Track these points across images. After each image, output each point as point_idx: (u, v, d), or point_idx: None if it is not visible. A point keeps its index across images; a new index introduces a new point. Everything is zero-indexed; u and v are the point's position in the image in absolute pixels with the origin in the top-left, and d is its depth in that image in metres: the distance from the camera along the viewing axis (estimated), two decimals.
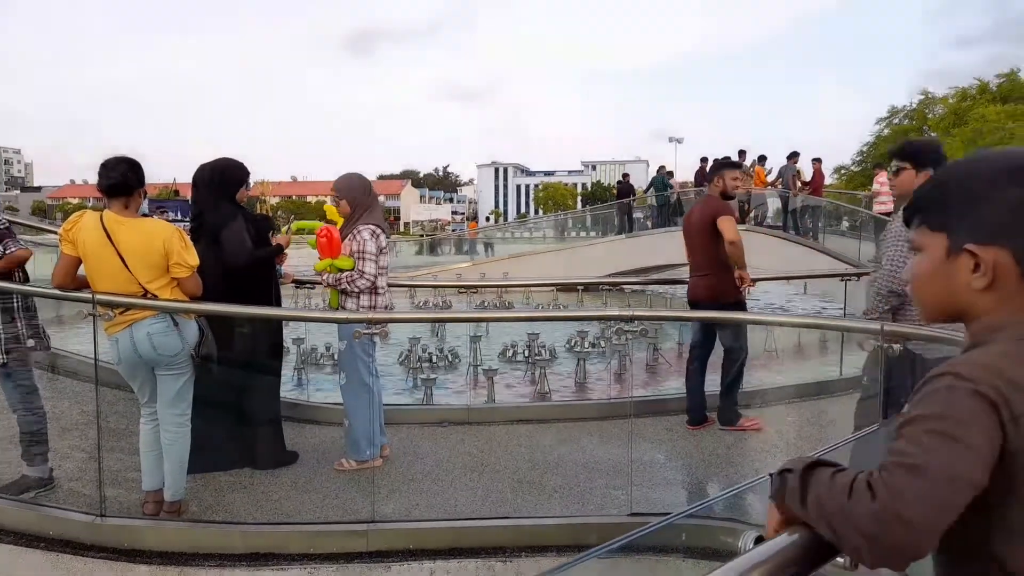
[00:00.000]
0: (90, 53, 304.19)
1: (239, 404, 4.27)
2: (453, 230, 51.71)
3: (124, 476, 3.86)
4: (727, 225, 4.82)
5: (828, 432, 4.64)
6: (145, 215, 4.53)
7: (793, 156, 16.08)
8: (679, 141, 49.47)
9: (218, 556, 3.34)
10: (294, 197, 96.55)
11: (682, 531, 3.48)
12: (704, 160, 17.38)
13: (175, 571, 3.30)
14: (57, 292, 3.56)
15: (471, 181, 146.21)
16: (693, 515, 3.22)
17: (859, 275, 6.48)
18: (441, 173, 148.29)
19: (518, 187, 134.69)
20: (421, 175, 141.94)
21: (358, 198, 4.32)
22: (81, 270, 3.51)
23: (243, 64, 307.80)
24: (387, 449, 4.46)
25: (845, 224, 16.64)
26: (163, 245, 3.40)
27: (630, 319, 3.93)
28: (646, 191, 20.06)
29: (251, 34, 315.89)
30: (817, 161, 16.56)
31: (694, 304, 5.08)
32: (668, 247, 16.29)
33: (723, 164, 5.31)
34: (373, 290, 4.25)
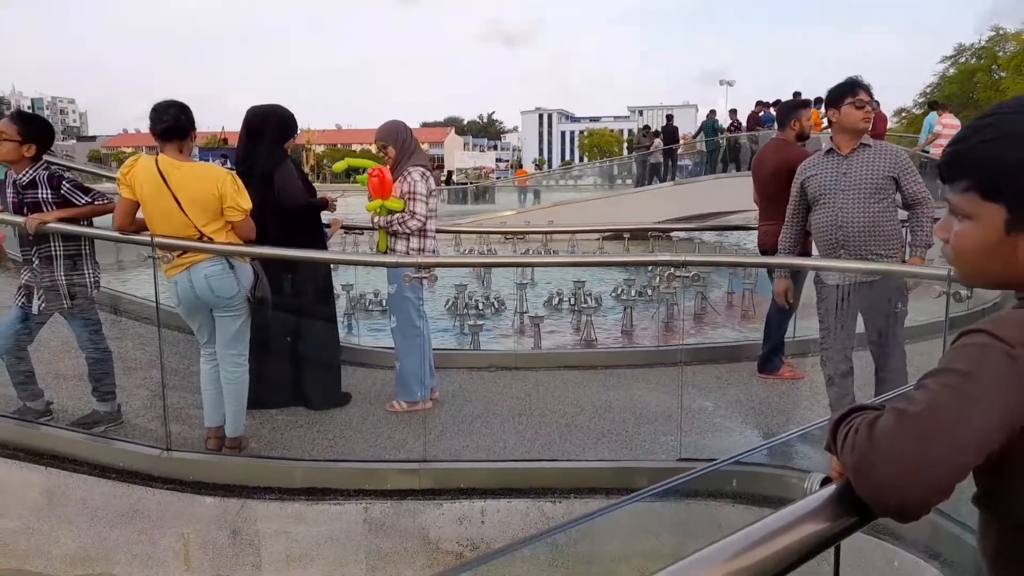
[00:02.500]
0: (138, 3, 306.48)
1: (294, 345, 4.37)
2: (497, 178, 51.41)
3: (186, 413, 4.02)
4: None
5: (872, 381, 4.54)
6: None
7: None
8: (730, 84, 47.81)
9: (278, 490, 3.48)
10: (338, 145, 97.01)
11: (732, 477, 3.50)
12: (760, 104, 16.78)
13: (238, 503, 3.45)
14: (118, 235, 3.66)
15: (515, 128, 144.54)
16: (741, 462, 3.22)
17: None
18: (485, 120, 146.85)
19: (562, 134, 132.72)
20: (465, 122, 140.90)
21: (405, 141, 4.33)
22: (140, 214, 3.59)
23: (288, 13, 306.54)
24: (437, 392, 4.54)
25: None
26: (217, 189, 3.44)
27: (681, 264, 3.87)
28: (695, 136, 19.53)
29: None
30: (877, 104, 15.84)
31: (764, 253, 4.92)
32: (718, 194, 15.96)
33: (798, 104, 5.07)
34: (422, 233, 4.27)
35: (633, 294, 8.51)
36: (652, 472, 3.53)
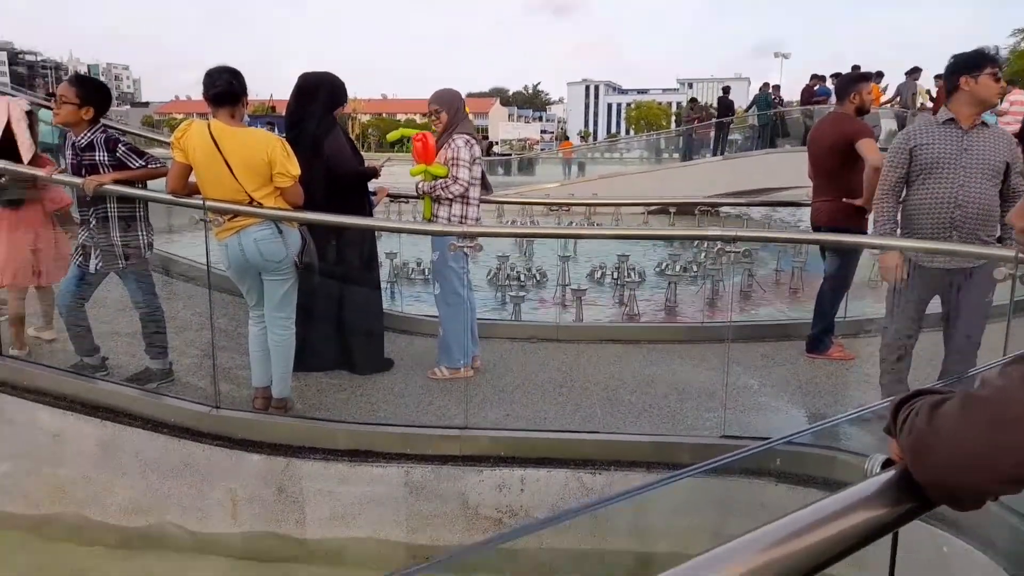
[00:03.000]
0: None
1: (340, 310, 4.43)
2: (541, 149, 51.03)
3: (234, 373, 4.12)
4: (869, 148, 4.36)
5: (938, 366, 4.39)
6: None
7: (914, 72, 14.76)
8: (786, 56, 46.24)
9: (322, 450, 3.55)
10: (384, 115, 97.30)
11: (776, 456, 3.44)
12: (815, 77, 16.22)
13: (283, 461, 3.53)
14: (171, 198, 3.72)
15: (561, 100, 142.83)
16: (793, 442, 3.16)
17: None
18: (530, 91, 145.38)
19: (609, 106, 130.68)
20: (510, 93, 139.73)
21: (458, 110, 4.36)
22: (192, 178, 3.65)
23: None
24: (478, 361, 4.56)
25: None
26: (267, 154, 3.47)
27: (732, 239, 3.77)
28: (747, 110, 19.01)
29: None
30: (941, 78, 15.15)
31: (817, 230, 4.77)
32: (768, 170, 15.54)
33: (857, 77, 4.86)
34: (465, 200, 4.26)
35: (678, 269, 8.39)
36: (694, 448, 3.50)
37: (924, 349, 5.05)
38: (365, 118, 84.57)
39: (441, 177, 4.22)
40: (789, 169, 14.96)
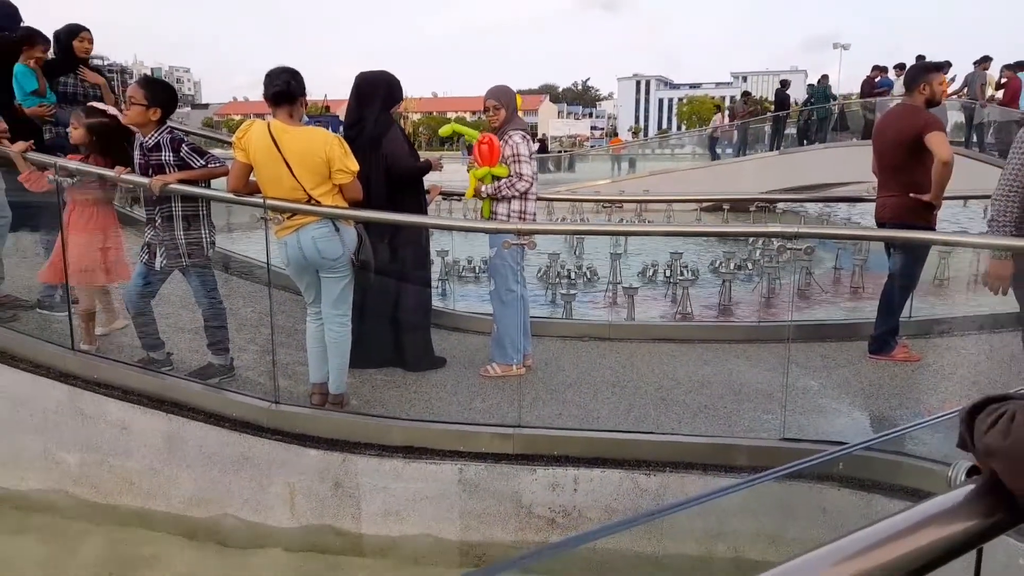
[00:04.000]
0: None
1: (393, 307, 4.47)
2: (592, 146, 50.72)
3: (293, 369, 4.19)
4: (939, 142, 4.19)
5: (1015, 370, 4.19)
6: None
7: (983, 62, 14.14)
8: (845, 47, 44.73)
9: (377, 446, 3.59)
10: (434, 113, 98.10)
11: (839, 460, 3.34)
12: (877, 68, 15.69)
13: (339, 456, 3.58)
14: (232, 196, 3.81)
15: (611, 95, 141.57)
16: (873, 449, 3.06)
17: None
18: (580, 87, 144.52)
19: (660, 101, 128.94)
20: (560, 89, 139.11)
21: (512, 106, 4.38)
22: (252, 177, 3.73)
23: None
24: (531, 359, 4.55)
25: None
26: (325, 152, 3.52)
27: (793, 236, 3.67)
28: (805, 103, 18.51)
29: None
30: (1012, 68, 14.47)
31: (881, 226, 4.61)
32: (827, 165, 15.12)
33: (928, 67, 4.66)
34: (524, 196, 4.28)
35: (732, 267, 8.23)
36: (752, 450, 3.42)
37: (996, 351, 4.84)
38: (416, 116, 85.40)
39: (503, 177, 4.24)
40: (847, 163, 14.55)
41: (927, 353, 4.78)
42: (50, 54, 5.17)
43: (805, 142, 17.31)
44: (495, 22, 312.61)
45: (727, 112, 21.94)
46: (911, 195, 4.35)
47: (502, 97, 4.37)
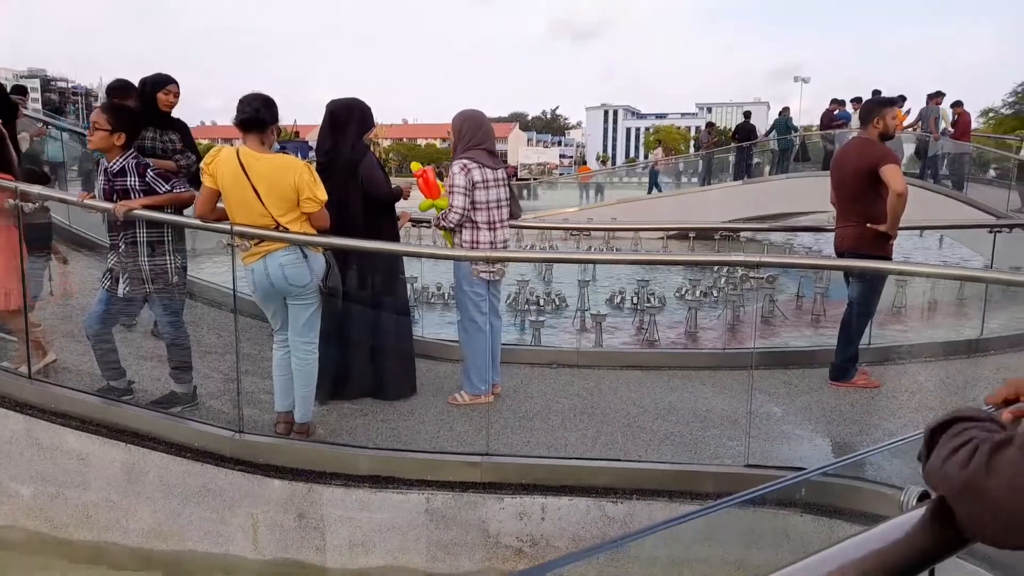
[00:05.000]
0: (217, 2, 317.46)
1: (373, 335, 4.44)
2: (560, 174, 51.22)
3: (257, 397, 4.13)
4: (894, 175, 4.35)
5: (969, 396, 4.32)
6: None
7: (936, 96, 14.69)
8: (805, 80, 46.17)
9: (343, 476, 3.55)
10: (404, 139, 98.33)
11: (800, 486, 3.38)
12: (835, 102, 16.21)
13: (305, 487, 3.53)
14: (199, 222, 3.78)
15: (579, 124, 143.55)
16: (829, 473, 3.11)
17: (1012, 227, 5.89)
18: (549, 116, 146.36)
19: (628, 130, 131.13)
20: (529, 118, 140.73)
21: (460, 132, 4.33)
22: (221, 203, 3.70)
23: (358, 10, 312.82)
24: (499, 387, 4.55)
25: (992, 172, 15.17)
26: (294, 180, 3.52)
27: (756, 265, 3.76)
28: (767, 134, 19.01)
29: None
30: (959, 104, 15.06)
31: (841, 255, 4.73)
32: (789, 194, 15.49)
33: (882, 102, 4.84)
34: (474, 226, 4.26)
35: (698, 295, 8.36)
36: (717, 477, 3.45)
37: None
38: (386, 143, 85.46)
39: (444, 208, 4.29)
40: (808, 193, 14.93)
41: (886, 379, 4.90)
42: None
43: (768, 172, 17.77)
44: (465, 50, 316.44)
45: (692, 142, 22.41)
46: (868, 225, 4.49)
47: (455, 124, 4.38)
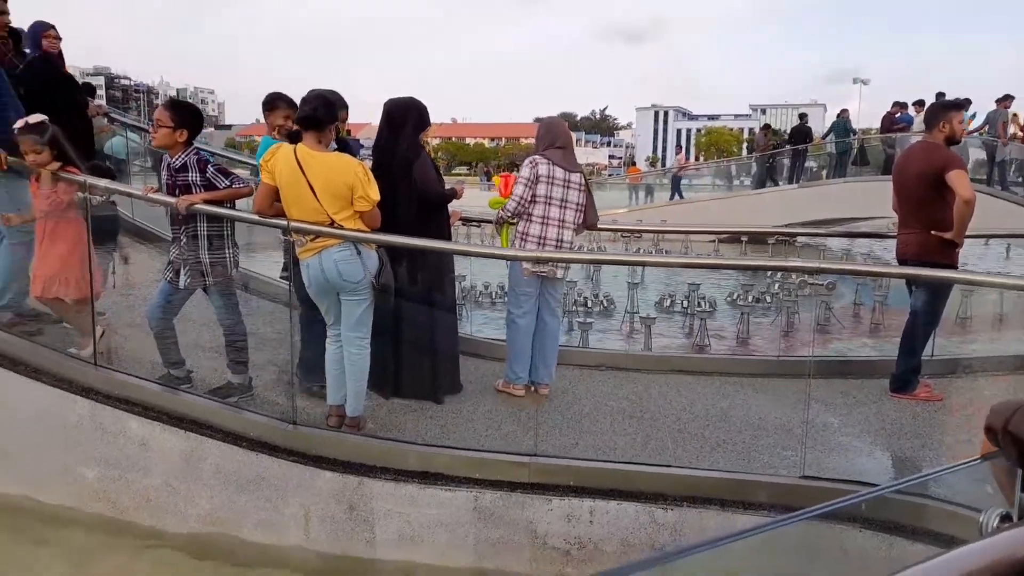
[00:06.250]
0: (272, 3, 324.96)
1: (412, 332, 4.48)
2: (609, 175, 50.93)
3: (310, 389, 4.20)
4: (960, 180, 4.19)
5: None
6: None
7: (1004, 100, 14.12)
8: (864, 82, 44.96)
9: (393, 471, 3.58)
10: (453, 139, 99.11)
11: (862, 502, 3.28)
12: (897, 104, 15.70)
13: (355, 480, 3.57)
14: (256, 217, 3.86)
15: (629, 125, 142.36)
16: (904, 491, 3.00)
17: None
18: (598, 116, 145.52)
19: (678, 131, 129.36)
20: (578, 118, 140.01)
21: (537, 138, 4.62)
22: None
23: (412, 10, 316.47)
24: (547, 388, 4.56)
25: None
26: (349, 179, 3.57)
27: (815, 271, 3.65)
28: (824, 137, 18.52)
29: None
30: None
31: (903, 263, 4.59)
32: (847, 199, 15.08)
33: (949, 105, 4.66)
34: (528, 218, 4.38)
35: (750, 300, 8.20)
36: (772, 487, 3.37)
37: None
38: (435, 142, 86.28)
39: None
40: (867, 198, 14.50)
41: (950, 393, 4.72)
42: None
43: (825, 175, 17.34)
44: (514, 50, 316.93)
45: (745, 144, 21.96)
46: (933, 232, 4.34)
47: (536, 131, 4.71)
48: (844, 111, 17.67)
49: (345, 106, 4.38)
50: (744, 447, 3.87)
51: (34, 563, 3.72)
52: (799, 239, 10.26)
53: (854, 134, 17.52)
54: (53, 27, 5.72)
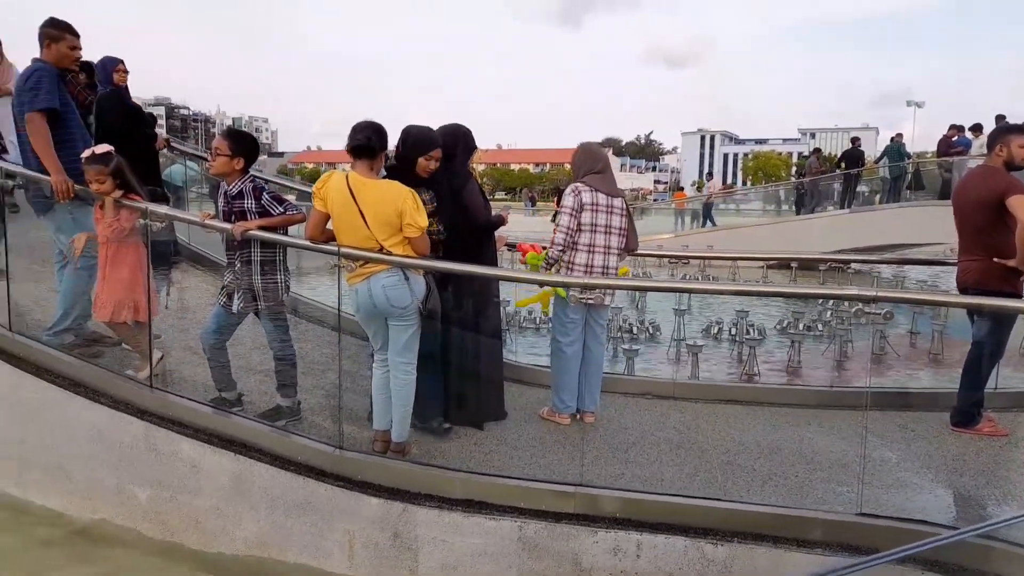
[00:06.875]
0: (327, 31, 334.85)
1: (457, 358, 4.48)
2: (654, 200, 50.63)
3: (356, 415, 4.23)
4: (1021, 206, 4.04)
5: None
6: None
7: None
8: (919, 105, 43.84)
9: (438, 498, 3.57)
10: (498, 164, 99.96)
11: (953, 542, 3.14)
12: (954, 128, 15.30)
13: (400, 507, 3.57)
14: (309, 244, 3.93)
15: (674, 149, 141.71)
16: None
17: None
18: (643, 141, 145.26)
19: (725, 156, 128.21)
20: (623, 143, 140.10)
21: (575, 165, 4.59)
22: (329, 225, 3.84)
23: (456, 36, 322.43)
24: (591, 416, 4.51)
25: None
26: (399, 206, 3.61)
27: (872, 300, 3.54)
28: (877, 161, 18.12)
29: (463, 9, 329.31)
30: None
31: (964, 291, 4.43)
32: (901, 225, 14.69)
33: (1009, 128, 4.51)
34: (588, 248, 4.37)
35: (801, 328, 8.00)
36: (827, 524, 3.25)
37: None
38: (480, 167, 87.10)
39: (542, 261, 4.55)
40: (922, 224, 14.09)
41: (1016, 428, 4.51)
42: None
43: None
44: (558, 75, 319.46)
45: (794, 168, 21.56)
46: (995, 260, 4.18)
47: (572, 158, 4.65)
48: (898, 135, 17.30)
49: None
50: (796, 481, 3.75)
51: None
52: (852, 266, 9.99)
53: (908, 158, 17.11)
54: (122, 61, 6.02)
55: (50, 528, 4.16)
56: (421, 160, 4.03)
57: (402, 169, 4.05)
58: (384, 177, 3.85)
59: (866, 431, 3.61)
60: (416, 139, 4.05)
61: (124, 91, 6.08)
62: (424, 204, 3.98)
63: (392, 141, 3.94)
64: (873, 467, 3.77)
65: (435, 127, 4.46)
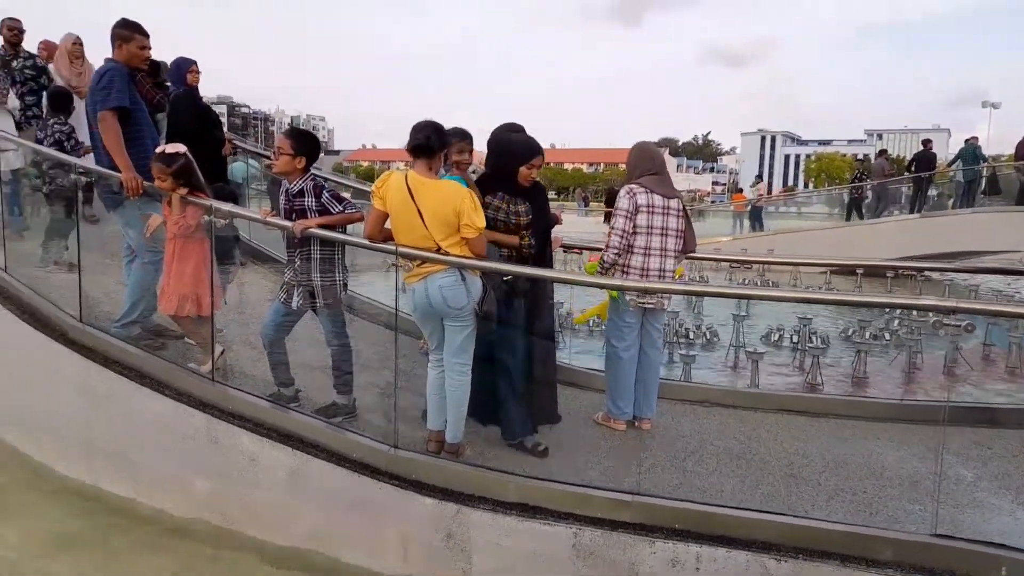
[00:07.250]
0: (377, 35, 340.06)
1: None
2: (712, 201, 49.73)
3: (410, 414, 4.23)
4: None
5: None
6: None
7: None
8: (995, 106, 41.89)
9: (492, 501, 3.53)
10: (552, 164, 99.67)
11: (1001, 564, 2.97)
12: None
13: (454, 508, 3.55)
14: (367, 242, 3.94)
15: (732, 150, 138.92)
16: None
17: None
18: (701, 141, 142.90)
19: (786, 157, 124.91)
20: (680, 143, 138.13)
21: (629, 165, 4.50)
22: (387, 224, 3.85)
23: (513, 36, 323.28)
24: (648, 423, 4.42)
25: None
26: (456, 206, 3.59)
27: (950, 311, 3.36)
28: (951, 164, 17.35)
29: (520, 6, 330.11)
30: None
31: None
32: (975, 231, 14.04)
33: None
34: (644, 251, 4.28)
35: (867, 337, 7.69)
36: (899, 544, 3.09)
37: None
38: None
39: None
40: (998, 230, 13.42)
41: None
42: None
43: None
44: (615, 74, 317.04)
45: (858, 172, 20.81)
46: None
47: (627, 158, 4.55)
48: (973, 137, 16.52)
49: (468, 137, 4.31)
50: (865, 497, 3.59)
51: (150, 572, 3.88)
52: (925, 274, 9.55)
53: (984, 161, 16.33)
54: (195, 62, 6.18)
55: (119, 516, 4.29)
56: (523, 169, 4.00)
57: (498, 178, 4.03)
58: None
59: (942, 448, 3.42)
60: (520, 147, 4.05)
61: (196, 92, 6.24)
62: (520, 215, 3.99)
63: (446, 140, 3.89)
64: (948, 486, 3.58)
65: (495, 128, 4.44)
